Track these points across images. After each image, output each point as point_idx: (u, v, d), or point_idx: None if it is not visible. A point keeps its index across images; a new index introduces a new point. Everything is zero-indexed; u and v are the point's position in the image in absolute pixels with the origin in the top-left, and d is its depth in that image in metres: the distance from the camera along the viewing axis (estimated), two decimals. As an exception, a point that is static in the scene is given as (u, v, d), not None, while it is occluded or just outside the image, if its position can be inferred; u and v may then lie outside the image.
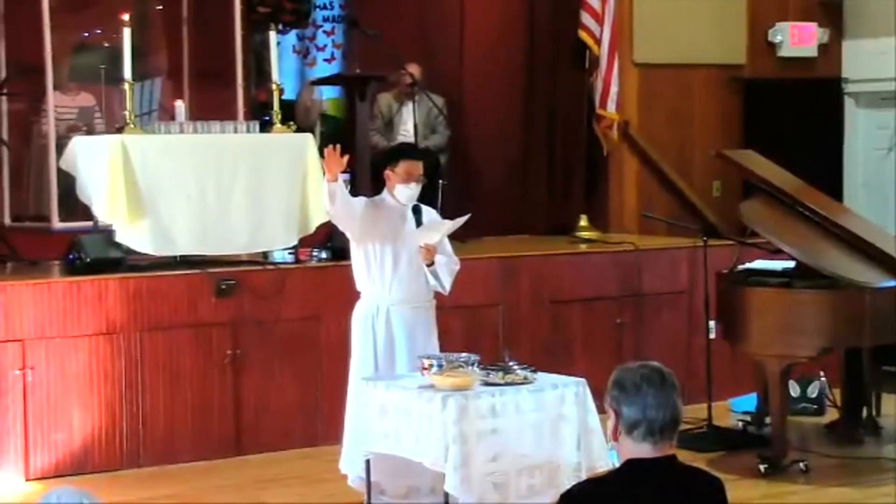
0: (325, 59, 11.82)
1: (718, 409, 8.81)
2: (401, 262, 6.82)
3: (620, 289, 9.51)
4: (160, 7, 10.52)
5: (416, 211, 6.93)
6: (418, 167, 6.89)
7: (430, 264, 6.80)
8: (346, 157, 6.70)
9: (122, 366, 7.94)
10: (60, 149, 8.66)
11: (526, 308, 9.19)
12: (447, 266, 6.90)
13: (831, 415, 9.08)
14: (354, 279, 6.94)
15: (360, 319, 6.89)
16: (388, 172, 6.89)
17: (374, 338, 6.83)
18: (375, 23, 10.12)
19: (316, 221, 8.61)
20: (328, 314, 8.47)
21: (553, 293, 9.29)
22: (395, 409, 6.29)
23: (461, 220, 6.90)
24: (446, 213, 9.31)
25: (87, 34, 10.09)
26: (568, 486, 3.84)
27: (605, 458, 6.21)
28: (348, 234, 6.94)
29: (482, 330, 8.95)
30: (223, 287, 8.23)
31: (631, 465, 3.64)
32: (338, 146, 6.68)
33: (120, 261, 8.16)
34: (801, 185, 8.44)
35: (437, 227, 6.89)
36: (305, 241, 8.79)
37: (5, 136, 9.45)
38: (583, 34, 10.89)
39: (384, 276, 6.82)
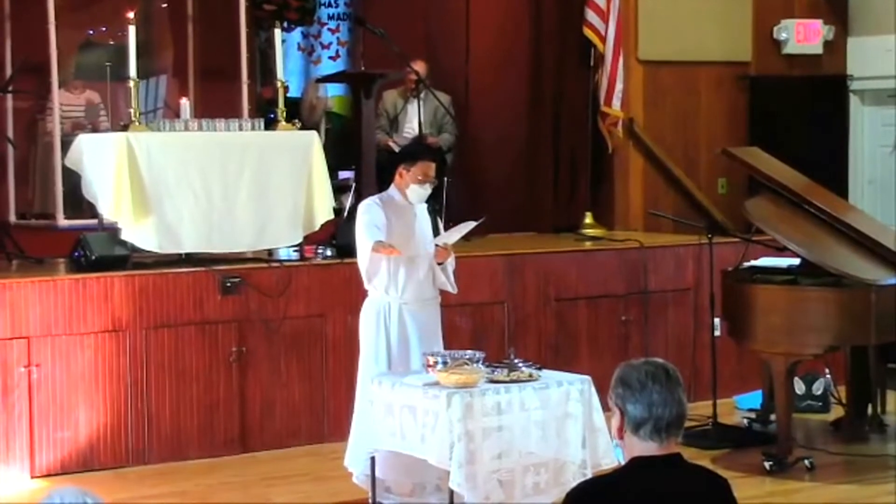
0: (331, 57, 11.83)
1: (723, 407, 8.79)
2: (416, 261, 6.83)
3: (626, 286, 9.50)
4: (165, 5, 10.53)
5: (433, 213, 6.96)
6: (433, 168, 6.93)
7: (440, 263, 6.83)
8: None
9: (128, 363, 7.94)
10: (66, 146, 8.64)
11: (531, 306, 9.18)
12: (451, 265, 6.93)
13: (836, 412, 9.06)
14: (362, 277, 6.93)
15: (372, 318, 6.87)
16: (401, 170, 6.89)
17: (387, 336, 6.82)
18: (381, 20, 10.11)
19: (321, 219, 8.61)
20: (334, 312, 8.48)
21: (558, 291, 9.27)
22: (401, 407, 6.28)
23: (479, 221, 6.93)
24: (451, 211, 9.35)
25: (92, 32, 10.11)
26: (573, 484, 3.82)
27: (611, 456, 6.19)
28: None
29: (487, 327, 8.95)
30: (228, 284, 8.23)
31: (637, 464, 3.62)
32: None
33: (125, 258, 8.16)
34: (806, 182, 8.43)
35: (459, 228, 6.94)
36: (311, 239, 8.77)
37: (11, 134, 9.45)
38: (588, 32, 10.88)
39: (398, 276, 6.81)
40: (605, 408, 3.91)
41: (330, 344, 8.49)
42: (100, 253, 8.08)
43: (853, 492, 7.43)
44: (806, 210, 8.12)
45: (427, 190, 6.91)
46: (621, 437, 3.65)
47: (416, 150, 7.37)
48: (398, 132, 10.50)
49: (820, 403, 9.29)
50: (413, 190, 6.87)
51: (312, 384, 8.47)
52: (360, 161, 9.39)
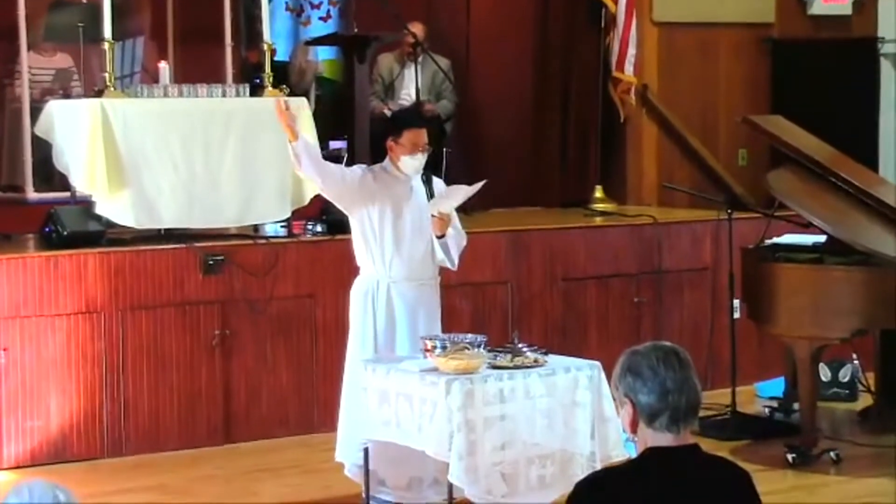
0: (321, 18, 11.79)
1: (743, 395, 8.81)
2: (404, 236, 6.79)
3: (639, 265, 9.52)
4: (142, -40, 10.51)
5: (427, 181, 6.90)
6: (423, 135, 6.85)
7: (441, 236, 6.77)
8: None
9: (103, 347, 7.94)
10: (35, 114, 8.65)
11: (537, 286, 9.18)
12: (455, 240, 6.87)
13: (865, 401, 9.08)
14: (354, 254, 6.93)
15: (359, 297, 6.87)
16: (390, 143, 6.84)
17: (374, 317, 6.80)
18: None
19: (311, 193, 8.59)
20: (324, 292, 8.49)
21: (566, 270, 9.28)
22: (396, 395, 6.29)
23: (478, 187, 6.85)
24: (451, 184, 9.35)
25: (63, -10, 10.08)
26: (581, 478, 3.81)
27: (621, 448, 6.21)
28: (337, 203, 6.92)
29: (490, 309, 8.96)
30: (211, 263, 8.23)
31: (651, 455, 3.60)
32: (283, 100, 6.74)
33: (100, 234, 8.17)
34: (833, 153, 8.43)
35: (454, 195, 6.87)
36: (299, 214, 8.78)
37: (-25, 101, 9.46)
38: (598, -10, 10.87)
39: (384, 252, 6.79)
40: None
41: (320, 326, 8.51)
42: (72, 228, 8.09)
43: (882, 486, 7.42)
44: (832, 183, 8.12)
45: (420, 160, 6.83)
46: (634, 432, 3.62)
47: (402, 118, 7.33)
48: (394, 99, 10.51)
49: (847, 391, 9.31)
50: (405, 162, 6.82)
51: (301, 370, 8.49)
52: (352, 130, 9.39)
